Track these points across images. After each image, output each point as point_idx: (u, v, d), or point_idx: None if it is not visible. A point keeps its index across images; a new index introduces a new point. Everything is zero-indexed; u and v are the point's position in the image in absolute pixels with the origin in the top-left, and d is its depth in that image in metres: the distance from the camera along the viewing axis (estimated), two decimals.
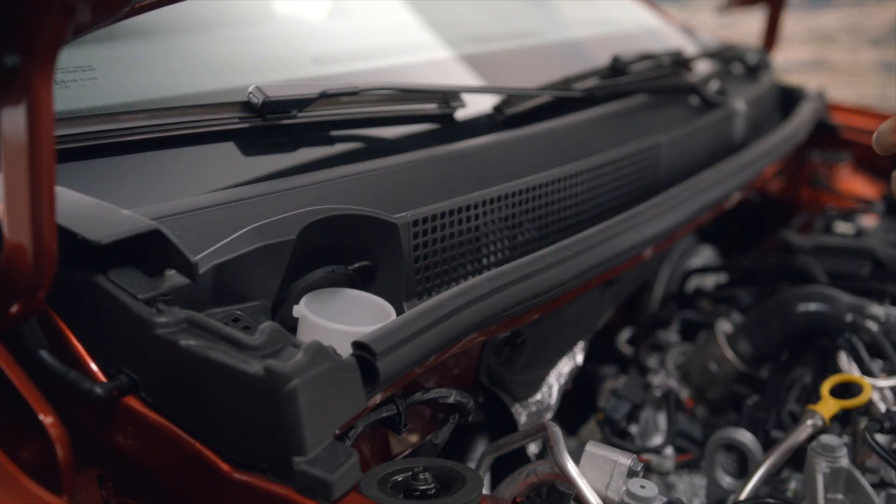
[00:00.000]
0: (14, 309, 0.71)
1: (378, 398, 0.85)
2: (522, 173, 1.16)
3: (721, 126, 1.70)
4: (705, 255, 1.86)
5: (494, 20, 1.84)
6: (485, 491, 1.01)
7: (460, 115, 1.32)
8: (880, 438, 1.03)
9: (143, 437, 0.75)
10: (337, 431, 0.72)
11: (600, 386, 1.44)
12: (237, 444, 0.71)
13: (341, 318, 0.89)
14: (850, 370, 1.22)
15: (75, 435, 0.74)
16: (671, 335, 1.56)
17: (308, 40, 1.45)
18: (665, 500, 0.86)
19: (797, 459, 1.12)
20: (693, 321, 1.59)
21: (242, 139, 1.10)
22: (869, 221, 1.80)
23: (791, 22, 3.99)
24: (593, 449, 0.90)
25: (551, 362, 1.22)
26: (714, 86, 1.77)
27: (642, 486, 0.86)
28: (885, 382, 1.18)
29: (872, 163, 2.05)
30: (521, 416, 1.13)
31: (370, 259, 0.99)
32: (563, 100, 1.44)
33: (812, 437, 1.10)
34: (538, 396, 1.18)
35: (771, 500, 1.08)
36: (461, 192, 1.07)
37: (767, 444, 1.20)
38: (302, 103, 1.13)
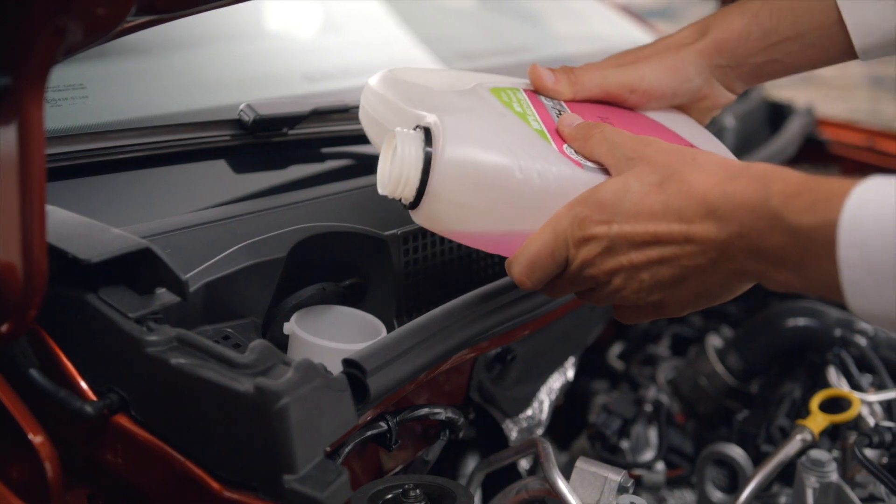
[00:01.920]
0: (4, 328, 0.71)
1: (368, 415, 0.86)
2: None
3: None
4: None
5: (485, 36, 1.85)
6: None
7: None
8: (869, 453, 1.03)
9: (134, 455, 0.75)
10: (327, 449, 0.72)
11: (591, 401, 1.44)
12: (227, 462, 0.71)
13: (332, 335, 0.89)
14: (839, 385, 1.23)
15: (65, 454, 0.74)
16: (662, 350, 1.57)
17: (299, 57, 1.46)
18: None
19: (787, 474, 1.12)
20: (683, 336, 1.59)
21: (233, 157, 1.10)
22: None
23: None
24: (584, 465, 0.91)
25: (542, 378, 1.22)
26: None
27: (632, 502, 0.86)
28: (873, 397, 1.18)
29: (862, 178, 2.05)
30: (512, 432, 1.13)
31: (361, 276, 0.99)
32: None
33: (802, 452, 1.10)
34: (529, 412, 1.18)
35: None
36: None
37: (758, 459, 1.20)
38: (293, 120, 1.14)
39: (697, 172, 0.73)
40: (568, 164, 0.81)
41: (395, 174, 0.80)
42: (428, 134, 0.80)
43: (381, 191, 0.83)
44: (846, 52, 0.92)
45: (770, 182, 0.69)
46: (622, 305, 0.84)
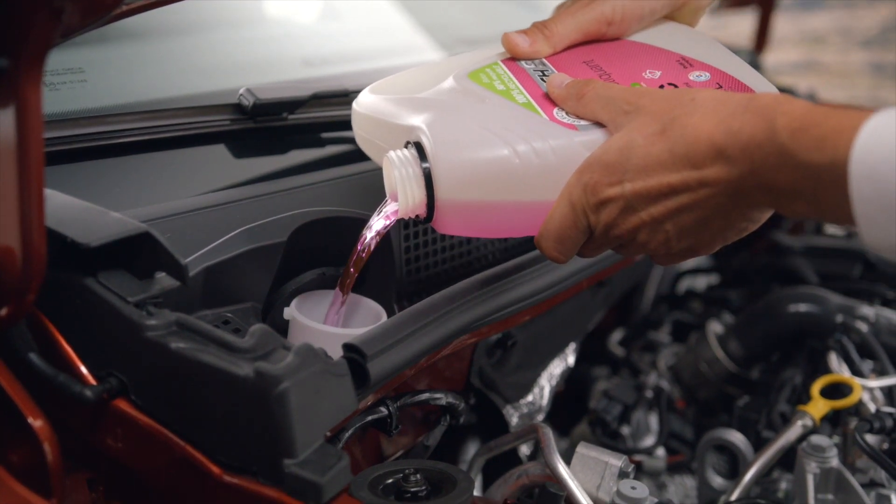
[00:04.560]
0: (3, 312, 0.71)
1: (369, 400, 0.85)
2: None
3: None
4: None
5: (486, 22, 1.84)
6: (476, 492, 1.02)
7: None
8: (870, 439, 1.03)
9: (133, 439, 0.75)
10: (328, 434, 0.72)
11: (592, 387, 1.44)
12: (227, 446, 0.71)
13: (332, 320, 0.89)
14: (840, 371, 1.23)
15: (65, 438, 0.74)
16: (662, 336, 1.56)
17: (299, 42, 1.45)
18: (656, 500, 0.86)
19: (788, 460, 1.12)
20: (684, 322, 1.59)
21: (233, 141, 1.10)
22: None
23: (782, 24, 4.01)
24: (584, 450, 0.90)
25: (543, 364, 1.22)
26: None
27: (633, 487, 0.86)
28: (874, 383, 1.18)
29: None
30: (513, 418, 1.13)
31: None
32: None
33: (802, 438, 1.10)
34: (530, 398, 1.18)
35: (762, 501, 1.08)
36: None
37: (758, 445, 1.20)
38: (293, 105, 1.13)
39: (698, 114, 0.73)
40: (561, 130, 0.81)
41: (402, 197, 0.81)
42: (420, 149, 0.80)
43: (399, 214, 0.84)
44: None
45: (775, 116, 0.68)
46: (656, 255, 0.84)
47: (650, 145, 0.74)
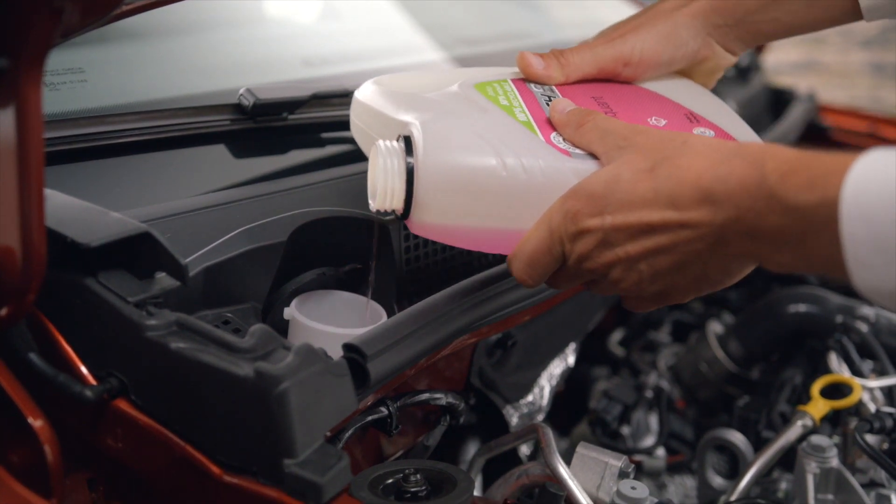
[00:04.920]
0: (3, 312, 0.71)
1: (369, 400, 0.85)
2: None
3: None
4: None
5: (486, 22, 1.84)
6: (476, 492, 1.01)
7: None
8: (870, 439, 1.03)
9: (134, 439, 0.75)
10: (328, 434, 0.72)
11: (592, 387, 1.44)
12: (227, 446, 0.71)
13: (332, 321, 0.89)
14: (840, 371, 1.23)
15: (65, 438, 0.74)
16: (662, 336, 1.56)
17: (299, 42, 1.45)
18: (656, 500, 0.86)
19: (788, 460, 1.12)
20: (684, 322, 1.59)
21: (233, 141, 1.10)
22: None
23: None
24: (584, 450, 0.90)
25: (543, 364, 1.22)
26: None
27: (633, 487, 0.86)
28: (874, 383, 1.18)
29: None
30: (513, 418, 1.13)
31: (361, 261, 0.99)
32: None
33: (802, 438, 1.10)
34: (530, 398, 1.18)
35: (762, 501, 1.08)
36: None
37: (758, 445, 1.20)
38: (293, 105, 1.13)
39: (689, 156, 0.72)
40: (554, 154, 0.80)
41: (381, 188, 0.80)
42: (409, 143, 0.80)
43: (371, 205, 0.83)
44: (850, 11, 0.89)
45: (764, 161, 0.67)
46: (627, 296, 0.83)
47: (637, 181, 0.73)
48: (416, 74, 0.95)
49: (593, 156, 0.80)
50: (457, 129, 0.80)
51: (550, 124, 0.83)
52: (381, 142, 0.81)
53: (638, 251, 0.74)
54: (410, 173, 0.79)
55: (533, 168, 0.79)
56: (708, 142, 0.74)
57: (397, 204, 0.81)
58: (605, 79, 0.92)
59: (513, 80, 0.90)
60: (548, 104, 0.86)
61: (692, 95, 0.93)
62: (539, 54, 0.90)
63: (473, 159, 0.78)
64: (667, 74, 0.94)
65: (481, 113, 0.83)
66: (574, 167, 0.79)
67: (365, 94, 0.92)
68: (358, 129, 0.95)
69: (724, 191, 0.68)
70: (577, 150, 0.81)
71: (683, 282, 0.76)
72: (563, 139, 0.82)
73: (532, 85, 0.90)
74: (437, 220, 0.81)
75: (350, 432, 0.84)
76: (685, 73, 0.96)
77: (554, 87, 0.90)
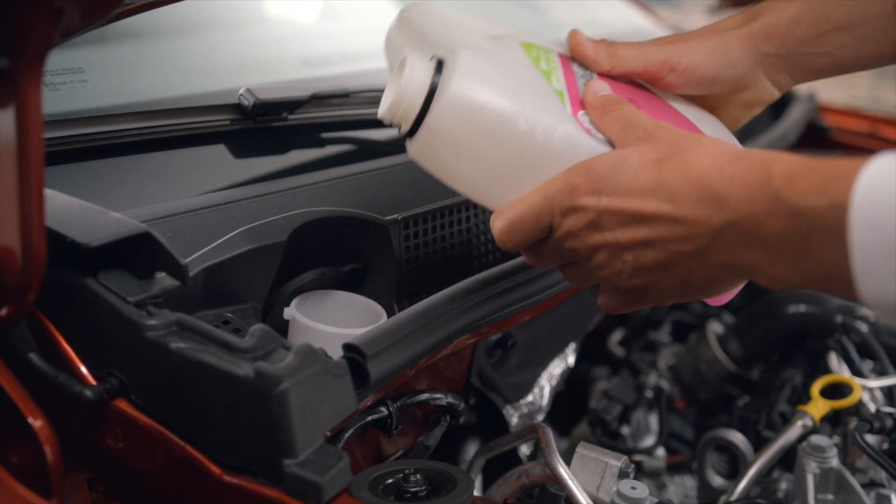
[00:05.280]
0: (3, 312, 0.71)
1: (369, 400, 0.85)
2: None
3: None
4: None
5: (485, 21, 1.84)
6: (476, 492, 1.02)
7: None
8: (870, 439, 1.03)
9: (133, 439, 0.75)
10: (328, 434, 0.72)
11: (592, 387, 1.44)
12: (227, 446, 0.71)
13: (332, 321, 0.89)
14: (840, 371, 1.23)
15: (65, 438, 0.74)
16: (662, 336, 1.56)
17: (299, 42, 1.45)
18: (656, 500, 0.86)
19: (788, 460, 1.12)
20: (684, 322, 1.59)
21: (233, 141, 1.10)
22: None
23: None
24: (584, 450, 0.90)
25: (543, 364, 1.22)
26: None
27: (633, 487, 0.86)
28: (874, 383, 1.18)
29: None
30: (513, 418, 1.13)
31: (361, 261, 0.99)
32: None
33: (802, 438, 1.10)
34: (530, 398, 1.18)
35: (762, 501, 1.08)
36: (452, 193, 1.06)
37: (758, 445, 1.20)
38: (292, 105, 1.13)
39: (699, 153, 0.71)
40: (576, 127, 0.79)
41: (397, 98, 0.77)
42: (440, 66, 0.77)
43: (379, 113, 0.80)
44: None
45: (772, 164, 0.66)
46: (605, 288, 0.81)
47: (642, 169, 0.72)
48: (469, 17, 0.93)
49: (612, 145, 0.78)
50: (491, 68, 0.78)
51: (581, 103, 0.82)
52: (413, 54, 0.79)
53: (626, 239, 0.73)
54: (432, 92, 0.76)
55: (551, 133, 0.77)
56: (723, 144, 0.73)
57: (407, 118, 0.78)
58: (647, 80, 0.90)
59: (559, 54, 0.88)
60: (584, 86, 0.84)
61: (719, 133, 0.91)
62: (591, 38, 0.89)
63: (498, 102, 0.76)
64: (707, 91, 0.92)
65: (519, 66, 0.81)
66: (590, 147, 0.78)
67: (413, 12, 0.89)
68: (392, 45, 0.92)
69: (727, 190, 0.67)
70: (599, 135, 0.79)
71: (665, 282, 0.74)
72: (589, 120, 0.80)
73: (575, 65, 0.88)
74: (439, 149, 0.78)
75: (350, 432, 0.84)
76: (725, 100, 0.93)
77: (595, 75, 0.88)
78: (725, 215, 0.67)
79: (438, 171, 0.80)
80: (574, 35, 0.89)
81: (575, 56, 0.89)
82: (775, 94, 0.92)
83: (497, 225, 0.80)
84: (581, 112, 0.81)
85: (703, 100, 0.92)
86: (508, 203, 0.79)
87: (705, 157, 0.70)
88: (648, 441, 1.33)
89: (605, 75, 0.88)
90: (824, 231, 0.62)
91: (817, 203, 0.62)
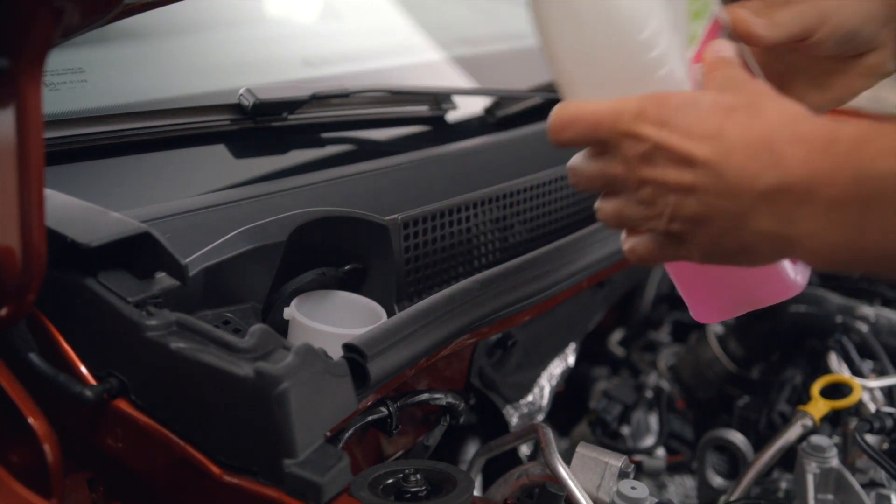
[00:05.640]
0: (3, 312, 0.71)
1: (369, 400, 0.85)
2: (513, 175, 1.16)
3: None
4: None
5: (486, 22, 1.84)
6: (476, 492, 1.01)
7: (451, 117, 1.32)
8: (870, 439, 1.03)
9: (133, 439, 0.75)
10: (328, 434, 0.72)
11: (592, 387, 1.44)
12: (227, 446, 0.71)
13: (332, 321, 0.89)
14: (840, 371, 1.23)
15: (65, 438, 0.74)
16: (663, 336, 1.56)
17: (298, 42, 1.45)
18: (656, 500, 0.86)
19: (788, 460, 1.12)
20: (684, 322, 1.59)
21: (233, 141, 1.10)
22: None
23: None
24: (584, 450, 0.90)
25: (543, 364, 1.22)
26: None
27: (633, 487, 0.86)
28: (874, 383, 1.18)
29: None
30: (513, 418, 1.13)
31: (361, 261, 0.99)
32: (554, 101, 1.43)
33: (802, 438, 1.10)
34: (530, 398, 1.17)
35: (762, 501, 1.08)
36: (452, 194, 1.07)
37: (758, 445, 1.20)
38: (293, 105, 1.13)
39: (771, 107, 0.66)
40: (685, 73, 0.76)
41: None
42: None
43: None
44: None
45: (839, 126, 0.63)
46: (639, 231, 0.76)
47: (711, 113, 0.69)
48: None
49: None
50: None
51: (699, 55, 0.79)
52: None
53: (673, 181, 0.69)
54: None
55: (661, 62, 0.75)
56: (797, 105, 0.70)
57: None
58: (797, 42, 0.84)
59: (716, 15, 0.84)
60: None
61: None
62: (749, 8, 0.83)
63: (640, 3, 0.73)
64: (841, 55, 0.86)
65: None
66: (685, 86, 0.76)
67: None
68: None
69: (786, 149, 0.64)
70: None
71: (700, 238, 0.71)
72: (700, 73, 0.77)
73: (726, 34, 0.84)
74: (561, 11, 0.75)
75: (350, 432, 0.84)
76: (846, 66, 0.88)
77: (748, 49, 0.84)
78: (776, 176, 0.64)
79: (545, 27, 0.77)
80: (734, 12, 0.83)
81: (737, 34, 0.83)
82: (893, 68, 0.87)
83: (556, 112, 0.76)
84: (699, 64, 0.78)
85: (821, 64, 0.87)
86: (579, 100, 0.76)
87: (775, 114, 0.67)
88: (648, 441, 1.33)
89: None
90: (891, 197, 0.58)
91: (887, 167, 0.58)
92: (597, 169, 0.75)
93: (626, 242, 0.78)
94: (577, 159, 0.77)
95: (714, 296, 0.90)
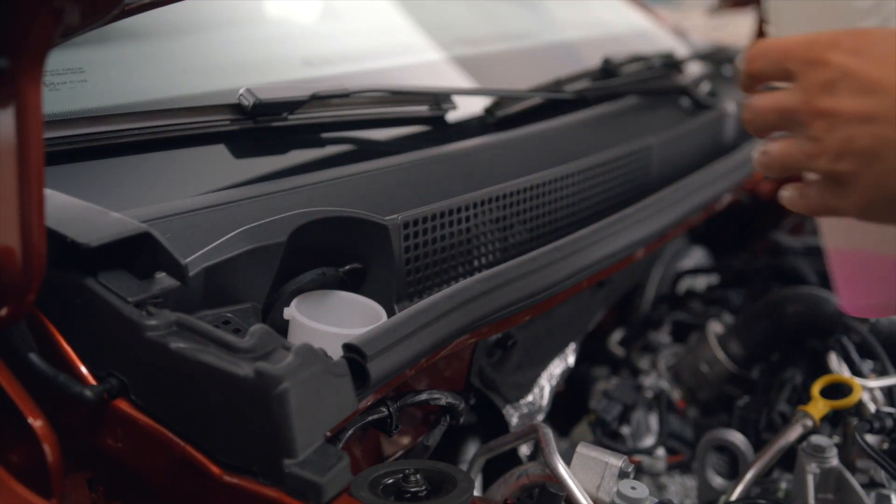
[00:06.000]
0: (3, 312, 0.71)
1: (369, 400, 0.85)
2: (513, 175, 1.16)
3: (712, 128, 1.70)
4: (696, 256, 1.86)
5: (486, 22, 1.84)
6: (476, 492, 1.02)
7: (451, 117, 1.32)
8: (870, 439, 1.03)
9: (133, 439, 0.75)
10: (328, 434, 0.72)
11: (592, 387, 1.44)
12: (227, 446, 0.71)
13: (332, 321, 0.89)
14: (840, 371, 1.23)
15: (65, 438, 0.74)
16: (663, 336, 1.56)
17: (298, 42, 1.45)
18: (656, 500, 0.86)
19: (788, 460, 1.12)
20: (684, 322, 1.59)
21: (233, 141, 1.10)
22: None
23: None
24: (584, 450, 0.91)
25: (543, 364, 1.22)
26: (705, 87, 1.77)
27: (633, 487, 0.86)
28: (874, 383, 1.18)
29: None
30: (513, 418, 1.13)
31: (361, 261, 0.99)
32: (554, 102, 1.44)
33: (802, 438, 1.10)
34: (530, 398, 1.18)
35: (762, 501, 1.08)
36: (452, 193, 1.07)
37: (758, 445, 1.20)
38: (293, 105, 1.13)
39: None
40: None
41: None
42: None
43: None
44: None
45: None
46: (798, 181, 0.76)
47: None
48: None
49: None
50: None
51: None
52: None
53: (851, 109, 0.69)
54: None
55: (875, 10, 0.76)
56: None
57: None
58: None
59: None
60: None
61: None
62: None
63: None
64: None
65: None
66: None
67: None
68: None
69: None
70: None
71: (867, 178, 0.69)
72: None
73: None
74: None
75: (350, 432, 0.84)
76: None
77: None
78: None
79: None
80: None
81: None
82: None
83: (752, 45, 0.76)
84: None
85: None
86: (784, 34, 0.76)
87: None
88: (648, 441, 1.34)
89: None
90: None
91: None
92: (773, 100, 0.75)
93: (786, 190, 0.78)
94: (756, 95, 0.77)
95: (872, 293, 0.90)
